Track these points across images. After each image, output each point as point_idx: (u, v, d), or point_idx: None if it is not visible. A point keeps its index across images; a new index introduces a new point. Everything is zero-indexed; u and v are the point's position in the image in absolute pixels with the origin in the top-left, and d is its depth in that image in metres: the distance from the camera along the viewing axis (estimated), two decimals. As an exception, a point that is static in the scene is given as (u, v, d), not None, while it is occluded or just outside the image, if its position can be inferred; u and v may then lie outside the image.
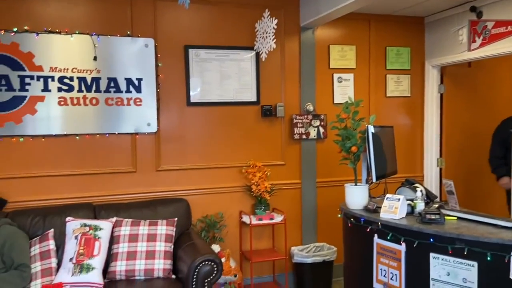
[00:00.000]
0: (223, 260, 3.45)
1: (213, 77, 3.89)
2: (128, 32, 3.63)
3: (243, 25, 3.95)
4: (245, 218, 3.83)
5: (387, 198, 2.81)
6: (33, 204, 3.39)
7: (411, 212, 2.80)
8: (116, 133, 3.62)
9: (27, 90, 3.37)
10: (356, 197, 3.04)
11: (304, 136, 4.15)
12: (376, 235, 2.79)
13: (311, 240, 4.19)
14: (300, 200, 4.20)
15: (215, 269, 3.00)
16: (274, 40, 3.58)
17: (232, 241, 3.95)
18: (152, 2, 3.69)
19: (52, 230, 3.13)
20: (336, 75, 4.30)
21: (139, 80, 3.65)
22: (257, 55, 3.96)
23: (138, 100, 3.66)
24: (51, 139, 3.47)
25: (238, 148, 4.01)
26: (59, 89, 3.44)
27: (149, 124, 3.69)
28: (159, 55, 3.72)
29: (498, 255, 2.22)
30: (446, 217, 2.63)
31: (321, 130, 4.20)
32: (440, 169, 4.58)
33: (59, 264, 3.02)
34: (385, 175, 3.14)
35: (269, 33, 3.62)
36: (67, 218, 3.17)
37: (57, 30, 3.44)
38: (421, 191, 2.91)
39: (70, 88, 3.47)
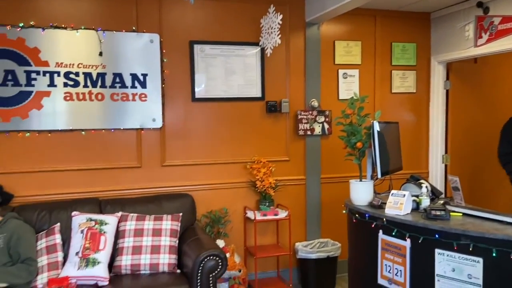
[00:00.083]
0: (227, 255, 3.46)
1: (218, 72, 3.90)
2: (134, 28, 3.63)
3: (248, 21, 3.94)
4: (250, 214, 3.84)
5: (392, 194, 2.81)
6: (39, 199, 3.41)
7: (416, 208, 2.79)
8: (122, 128, 3.63)
9: (33, 85, 3.39)
10: (361, 193, 3.05)
11: (308, 132, 4.14)
12: (381, 231, 2.79)
13: (315, 236, 4.20)
14: (304, 196, 4.20)
15: (220, 264, 3.01)
16: (279, 36, 3.57)
17: (236, 236, 3.97)
18: (158, -2, 3.70)
19: (58, 224, 3.16)
20: (341, 71, 4.29)
21: (144, 75, 3.66)
22: (262, 50, 3.96)
23: (143, 95, 3.67)
24: (57, 134, 3.48)
25: (242, 144, 4.01)
26: (65, 84, 3.46)
27: (154, 119, 3.70)
28: (164, 51, 3.72)
29: (503, 251, 2.21)
30: (451, 213, 2.62)
31: (326, 126, 4.19)
32: (445, 165, 4.57)
33: (65, 258, 3.04)
34: (390, 171, 3.13)
35: (274, 28, 3.61)
36: (73, 213, 3.20)
37: (63, 26, 3.45)
38: (426, 187, 2.89)
39: (76, 84, 3.49)
